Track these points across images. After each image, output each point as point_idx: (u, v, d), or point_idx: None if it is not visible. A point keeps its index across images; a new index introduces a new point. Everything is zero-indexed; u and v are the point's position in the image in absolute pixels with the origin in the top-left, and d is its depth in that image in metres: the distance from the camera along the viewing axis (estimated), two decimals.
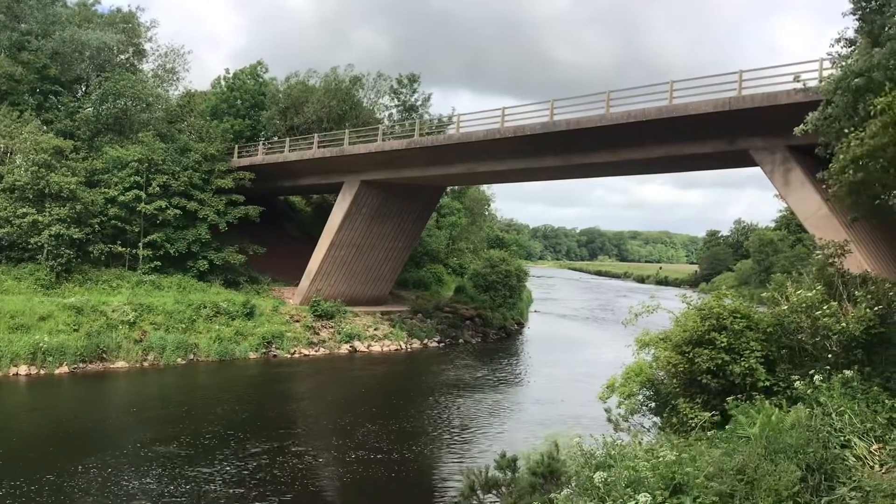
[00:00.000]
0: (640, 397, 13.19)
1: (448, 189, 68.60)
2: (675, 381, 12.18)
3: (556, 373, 37.57)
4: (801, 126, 13.01)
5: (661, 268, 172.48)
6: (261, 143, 50.57)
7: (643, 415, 13.38)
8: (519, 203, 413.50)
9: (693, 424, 10.92)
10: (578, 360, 42.23)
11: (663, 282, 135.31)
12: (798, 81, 12.23)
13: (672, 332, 12.54)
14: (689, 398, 11.66)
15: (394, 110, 65.29)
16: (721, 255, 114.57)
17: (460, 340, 47.42)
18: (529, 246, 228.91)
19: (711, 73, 28.44)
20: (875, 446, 8.35)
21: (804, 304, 10.95)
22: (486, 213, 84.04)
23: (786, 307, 11.30)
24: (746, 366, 10.97)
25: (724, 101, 26.07)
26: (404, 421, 25.52)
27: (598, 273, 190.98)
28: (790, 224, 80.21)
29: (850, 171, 10.59)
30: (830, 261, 11.88)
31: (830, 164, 11.77)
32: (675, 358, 11.81)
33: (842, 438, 8.38)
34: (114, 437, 21.95)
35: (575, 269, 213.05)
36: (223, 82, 63.96)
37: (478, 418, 26.38)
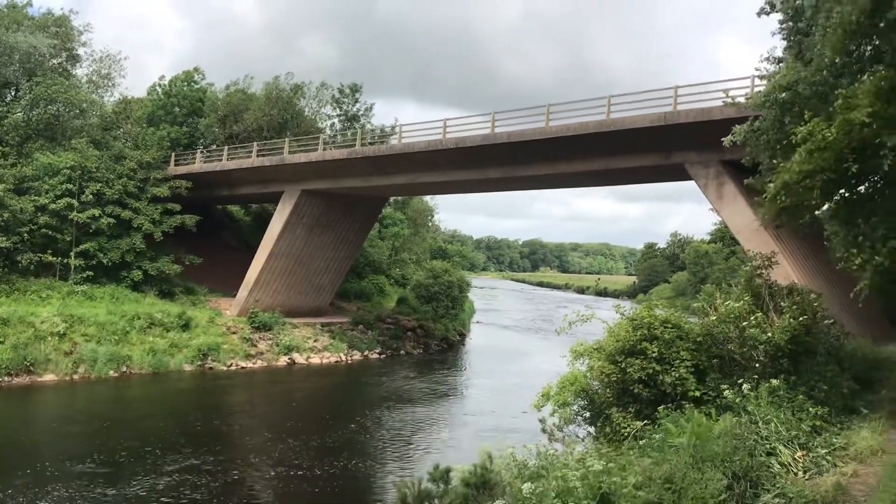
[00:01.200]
0: (575, 407, 13.27)
1: (391, 199, 68.48)
2: (608, 390, 12.30)
3: (497, 383, 37.67)
4: (730, 137, 13.32)
5: (598, 279, 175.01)
6: (198, 151, 49.61)
7: (578, 424, 13.46)
8: (463, 214, 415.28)
9: (626, 434, 11.02)
10: (519, 370, 42.41)
11: (603, 293, 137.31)
12: (728, 97, 12.55)
13: (605, 342, 12.67)
14: (621, 408, 11.77)
15: (336, 120, 64.98)
16: (658, 267, 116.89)
17: (401, 352, 47.17)
18: (473, 257, 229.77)
19: (655, 87, 29.56)
20: (799, 453, 8.55)
21: (732, 315, 11.19)
22: (430, 224, 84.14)
23: (714, 318, 11.54)
24: (677, 375, 11.15)
25: (660, 115, 26.59)
26: (338, 435, 25.00)
27: (540, 284, 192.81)
28: (724, 237, 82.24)
29: (781, 197, 10.91)
30: (758, 272, 12.18)
31: (756, 178, 12.09)
32: (608, 368, 11.93)
33: (768, 446, 8.56)
34: (27, 454, 20.70)
35: (517, 281, 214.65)
36: (159, 89, 62.79)
37: (415, 431, 26.17)
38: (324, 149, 40.51)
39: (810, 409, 9.70)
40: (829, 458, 8.43)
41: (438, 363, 44.82)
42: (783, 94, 11.41)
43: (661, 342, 11.49)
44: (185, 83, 64.41)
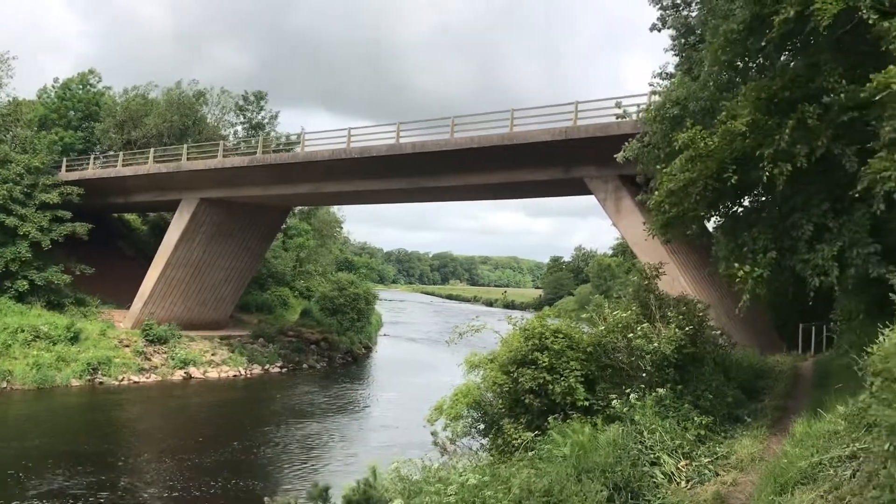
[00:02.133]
0: (469, 419, 13.04)
1: (296, 209, 67.21)
2: (500, 401, 12.12)
3: (399, 397, 37.23)
4: (622, 153, 13.49)
5: (505, 292, 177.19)
6: (92, 156, 47.26)
7: (472, 437, 13.23)
8: (374, 227, 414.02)
9: (516, 445, 10.84)
10: (423, 383, 42.05)
11: (510, 305, 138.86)
12: (619, 108, 12.68)
13: (498, 353, 12.52)
14: (513, 418, 11.60)
15: (239, 127, 63.46)
16: (563, 280, 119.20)
17: (304, 365, 46.15)
18: (382, 270, 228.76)
19: (565, 103, 30.07)
20: (682, 463, 8.54)
21: (620, 325, 11.21)
22: (337, 235, 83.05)
23: (603, 328, 11.54)
24: (566, 385, 11.06)
25: (561, 130, 26.93)
26: (223, 453, 23.91)
27: (450, 297, 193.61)
28: (626, 251, 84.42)
29: (666, 206, 11.05)
30: (646, 282, 12.29)
31: (648, 192, 12.24)
32: (501, 378, 11.77)
33: (652, 456, 8.52)
34: None
35: (427, 293, 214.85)
36: (52, 91, 60.04)
37: (308, 448, 25.37)
38: (224, 156, 39.24)
39: (695, 419, 9.75)
40: (711, 466, 8.46)
41: (342, 377, 44.05)
42: (673, 110, 11.61)
43: (551, 352, 11.40)
44: (81, 86, 61.88)
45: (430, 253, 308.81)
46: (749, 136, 9.34)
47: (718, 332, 12.32)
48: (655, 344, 10.57)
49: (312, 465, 22.98)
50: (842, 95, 8.74)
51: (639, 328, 10.92)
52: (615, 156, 13.90)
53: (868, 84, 7.82)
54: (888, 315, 16.40)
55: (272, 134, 60.17)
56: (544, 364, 11.26)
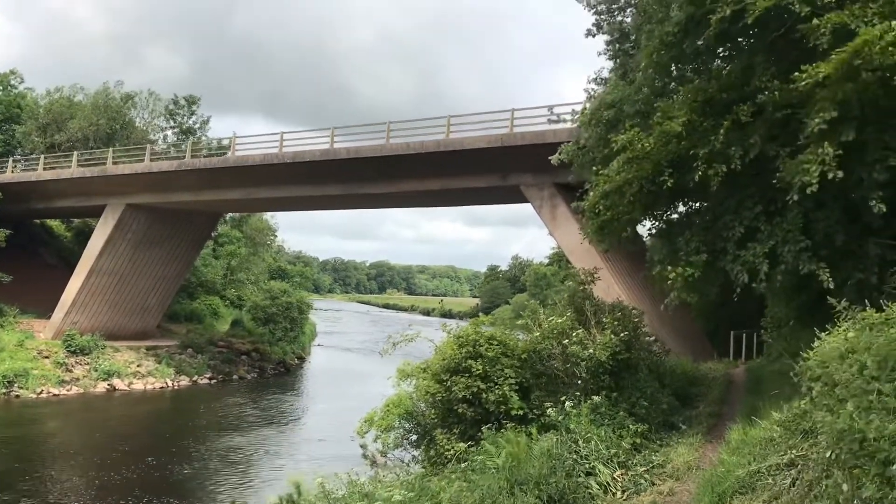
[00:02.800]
0: (401, 430, 12.60)
1: (227, 216, 65.65)
2: (433, 411, 11.73)
3: (331, 408, 36.39)
4: (557, 155, 13.33)
5: (441, 301, 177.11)
6: (10, 159, 45.15)
7: (404, 448, 12.80)
8: (309, 235, 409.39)
9: (449, 456, 10.46)
10: (357, 393, 41.17)
11: (447, 314, 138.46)
12: (552, 114, 12.49)
13: (432, 362, 12.13)
14: (446, 429, 11.23)
15: (169, 132, 61.79)
16: (500, 289, 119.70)
17: (234, 377, 44.89)
18: (318, 279, 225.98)
19: (501, 110, 29.99)
20: (618, 472, 8.30)
21: (555, 331, 10.95)
22: (271, 243, 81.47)
23: (538, 334, 11.26)
24: (500, 393, 10.75)
25: (497, 137, 26.81)
26: (139, 468, 22.70)
27: (387, 306, 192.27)
28: (562, 259, 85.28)
29: (601, 208, 10.88)
30: (581, 287, 12.09)
31: (582, 197, 12.08)
32: (434, 387, 11.38)
33: (587, 466, 8.25)
34: None
35: (364, 303, 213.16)
36: None
37: (231, 462, 24.35)
38: (151, 160, 37.93)
39: (631, 426, 9.54)
40: (647, 476, 8.24)
41: (273, 388, 42.93)
42: (608, 113, 11.47)
43: (485, 360, 11.08)
44: (0, 87, 59.52)
45: (367, 262, 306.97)
46: (685, 138, 9.25)
47: (653, 338, 12.17)
48: (591, 350, 10.34)
49: (234, 481, 21.92)
50: (775, 93, 8.70)
51: (574, 334, 10.68)
52: (550, 158, 13.73)
53: (798, 75, 7.79)
54: (818, 322, 16.68)
55: (203, 139, 58.79)
56: (478, 372, 10.93)
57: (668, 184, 9.43)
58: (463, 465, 9.54)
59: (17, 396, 33.98)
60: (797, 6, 7.96)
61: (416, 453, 12.56)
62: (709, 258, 9.69)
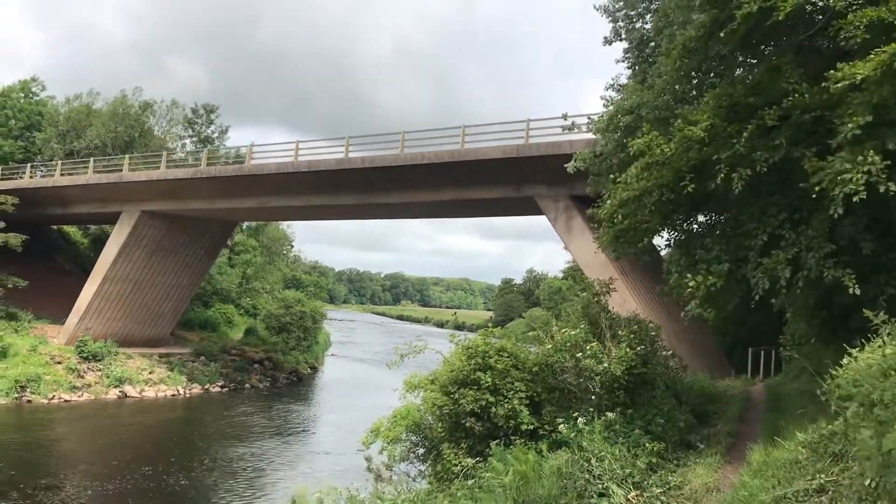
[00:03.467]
0: (408, 443, 12.19)
1: (244, 225, 65.72)
2: (440, 424, 11.31)
3: (341, 419, 35.98)
4: (573, 163, 12.95)
5: (455, 313, 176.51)
6: (29, 165, 45.34)
7: (411, 462, 12.38)
8: (327, 246, 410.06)
9: (456, 472, 10.05)
10: (369, 404, 40.73)
11: (461, 327, 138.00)
12: (566, 119, 12.07)
13: (439, 373, 11.73)
14: (454, 443, 10.80)
15: (188, 141, 62.02)
16: (514, 303, 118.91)
17: (247, 385, 44.70)
18: (333, 289, 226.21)
19: (517, 120, 29.70)
20: (633, 493, 7.85)
21: (568, 343, 10.50)
22: (287, 252, 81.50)
23: (550, 346, 10.81)
24: (510, 407, 10.31)
25: (512, 148, 26.51)
26: (137, 478, 22.33)
27: (401, 317, 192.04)
28: (576, 273, 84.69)
29: (619, 216, 10.46)
30: (596, 299, 11.66)
31: (598, 206, 11.66)
32: (441, 399, 10.96)
33: (600, 486, 7.80)
34: None
35: (378, 314, 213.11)
36: None
37: (234, 473, 23.97)
38: (167, 167, 37.91)
39: (647, 445, 9.07)
40: (663, 498, 7.77)
41: (284, 397, 42.62)
42: (626, 118, 11.07)
43: (495, 372, 10.65)
44: (23, 94, 60.09)
45: (383, 273, 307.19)
46: (707, 144, 8.84)
47: (670, 352, 11.66)
48: (605, 364, 9.88)
49: (234, 493, 21.54)
50: (804, 96, 8.28)
51: (588, 347, 10.23)
52: (566, 165, 13.34)
53: (833, 73, 7.36)
54: (840, 339, 16.15)
55: (222, 149, 58.92)
56: (487, 384, 10.51)
57: (689, 189, 8.98)
58: (469, 482, 9.14)
59: (29, 401, 33.96)
60: (832, 0, 7.55)
61: (422, 467, 12.15)
62: (731, 267, 9.23)
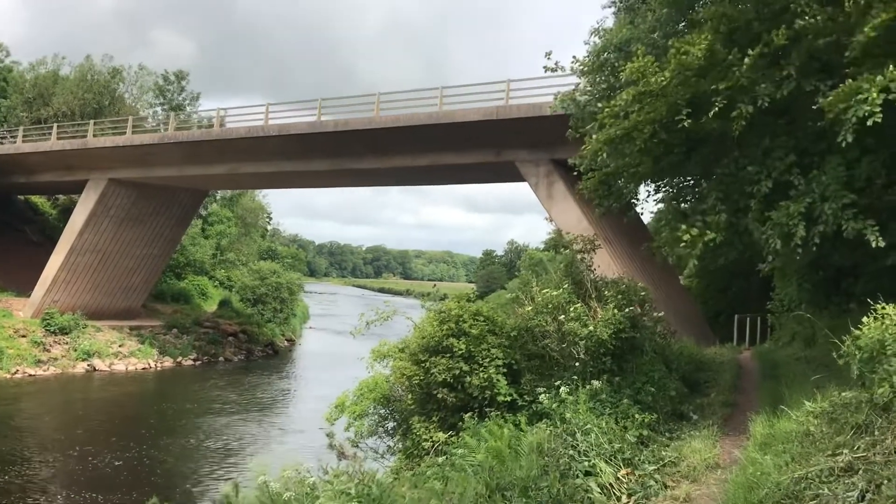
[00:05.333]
0: (376, 417, 11.23)
1: (219, 196, 64.26)
2: (410, 396, 10.33)
3: (318, 392, 34.93)
4: (555, 102, 11.81)
5: (435, 286, 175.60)
6: None
7: (380, 437, 11.42)
8: (308, 219, 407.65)
9: (427, 448, 9.11)
10: (346, 378, 39.71)
11: (443, 299, 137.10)
12: (548, 58, 10.92)
13: (410, 341, 10.73)
14: (425, 416, 9.83)
15: (159, 108, 60.37)
16: (496, 274, 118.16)
17: (220, 358, 43.66)
18: (314, 262, 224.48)
19: (497, 81, 28.48)
20: (623, 471, 6.93)
21: (550, 305, 9.50)
22: (264, 224, 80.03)
23: (530, 308, 9.80)
24: (485, 377, 9.33)
25: (492, 109, 25.44)
26: (79, 456, 21.17)
27: (382, 290, 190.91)
28: (557, 244, 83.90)
29: (604, 155, 9.33)
30: (580, 256, 10.65)
31: (581, 156, 10.58)
32: (410, 369, 9.96)
33: (586, 464, 6.85)
34: None
35: (359, 287, 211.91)
36: None
37: (191, 451, 22.93)
38: (133, 133, 36.41)
39: (636, 416, 8.12)
40: (657, 476, 6.83)
41: (259, 370, 41.56)
42: (615, 55, 9.95)
43: (469, 338, 9.65)
44: None
45: (364, 246, 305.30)
46: (705, 73, 7.79)
47: (661, 313, 10.67)
48: (591, 327, 8.91)
49: (185, 474, 20.43)
50: (817, 18, 7.23)
51: (571, 309, 9.24)
52: (548, 108, 12.22)
53: None
54: (835, 304, 15.40)
55: (194, 116, 57.38)
56: (461, 352, 9.52)
57: (685, 124, 7.91)
58: (440, 458, 8.19)
59: None
60: None
61: (391, 442, 11.21)
62: (729, 219, 8.22)
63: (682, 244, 8.13)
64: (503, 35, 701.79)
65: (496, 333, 9.85)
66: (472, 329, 9.66)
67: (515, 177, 28.96)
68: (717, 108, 7.52)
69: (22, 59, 59.13)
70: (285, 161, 32.84)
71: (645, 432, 7.90)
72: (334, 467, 7.83)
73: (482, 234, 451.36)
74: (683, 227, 8.07)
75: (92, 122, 38.95)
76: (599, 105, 9.80)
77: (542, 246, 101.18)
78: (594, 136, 9.36)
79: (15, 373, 33.80)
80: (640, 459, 7.17)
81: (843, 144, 6.63)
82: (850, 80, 6.53)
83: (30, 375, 34.18)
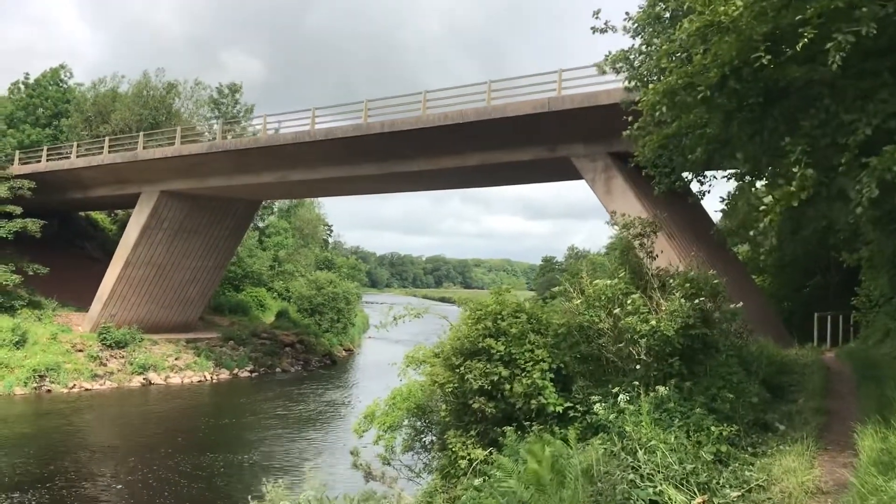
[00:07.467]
0: (410, 430, 9.97)
1: (276, 207, 64.36)
2: (445, 406, 9.02)
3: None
4: (603, 62, 10.30)
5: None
6: (45, 148, 44.10)
7: (416, 452, 10.16)
8: (372, 231, 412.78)
9: (464, 466, 7.81)
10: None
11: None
12: (596, 17, 9.48)
13: (445, 343, 9.43)
14: (461, 429, 8.52)
15: (214, 122, 60.73)
16: (555, 281, 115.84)
17: (277, 369, 43.18)
18: (375, 273, 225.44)
19: (548, 72, 27.12)
20: (699, 499, 5.52)
21: (603, 297, 8.03)
22: (322, 235, 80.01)
23: (580, 301, 8.33)
24: (529, 382, 7.95)
25: (543, 101, 24.12)
26: (120, 471, 20.83)
27: (442, 299, 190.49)
28: (618, 249, 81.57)
29: (662, 111, 7.75)
30: (638, 241, 9.12)
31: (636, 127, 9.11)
32: (443, 375, 8.65)
33: (651, 490, 5.47)
34: None
35: (419, 297, 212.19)
36: (22, 87, 58.00)
37: (230, 466, 22.13)
38: (182, 144, 36.21)
39: (712, 428, 6.65)
40: None
41: (315, 381, 40.80)
42: (673, 3, 8.41)
43: (509, 338, 8.28)
44: (52, 82, 59.65)
45: (424, 256, 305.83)
46: (787, 6, 6.29)
47: (740, 304, 8.99)
48: (653, 322, 7.44)
49: (219, 491, 19.64)
50: None
51: (629, 301, 7.77)
52: (604, 92, 10.82)
53: None
54: None
55: (249, 129, 57.62)
56: (499, 354, 8.16)
57: (764, 62, 6.35)
58: (477, 480, 6.88)
59: (49, 391, 33.03)
60: None
61: (427, 459, 9.92)
62: (818, 176, 6.60)
63: (763, 209, 6.61)
64: (558, 32, 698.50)
65: (540, 332, 8.45)
66: (511, 328, 8.29)
67: (572, 174, 27.54)
68: (805, 40, 6.01)
69: (70, 73, 60.05)
70: (333, 167, 32.07)
71: (723, 448, 6.42)
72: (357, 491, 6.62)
73: (543, 241, 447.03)
74: (766, 188, 6.57)
75: (142, 133, 38.98)
76: (655, 64, 8.33)
77: (604, 251, 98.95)
78: (650, 86, 7.87)
79: (72, 387, 33.90)
80: (719, 483, 5.74)
81: None
82: None
83: (86, 390, 34.22)
